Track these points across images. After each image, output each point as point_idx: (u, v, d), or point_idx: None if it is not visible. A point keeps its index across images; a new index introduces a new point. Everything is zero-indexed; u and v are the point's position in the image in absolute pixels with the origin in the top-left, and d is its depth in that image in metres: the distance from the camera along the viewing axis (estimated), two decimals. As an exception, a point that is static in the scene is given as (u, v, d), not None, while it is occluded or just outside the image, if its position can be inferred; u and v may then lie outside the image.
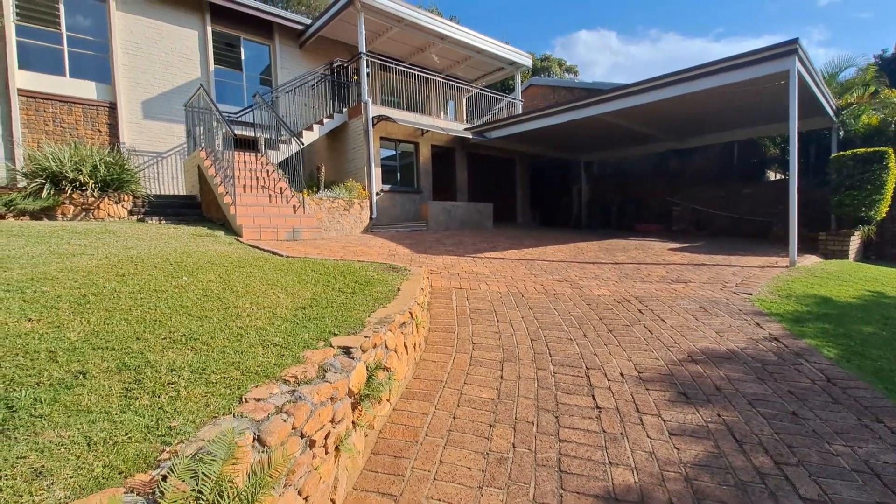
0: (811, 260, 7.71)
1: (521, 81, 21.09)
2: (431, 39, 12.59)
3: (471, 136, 12.04)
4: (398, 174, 11.54)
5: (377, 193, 10.45)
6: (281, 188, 8.03)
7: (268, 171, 8.45)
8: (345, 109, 10.89)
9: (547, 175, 18.38)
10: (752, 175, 13.42)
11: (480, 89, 15.34)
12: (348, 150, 10.89)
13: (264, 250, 5.63)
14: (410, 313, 3.32)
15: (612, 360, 3.36)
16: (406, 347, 3.10)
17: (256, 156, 8.88)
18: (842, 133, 10.82)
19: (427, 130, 11.46)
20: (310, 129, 10.23)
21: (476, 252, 7.36)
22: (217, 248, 5.22)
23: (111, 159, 7.27)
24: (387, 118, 10.10)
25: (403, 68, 11.77)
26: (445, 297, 4.68)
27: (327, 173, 11.34)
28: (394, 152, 11.59)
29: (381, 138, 10.86)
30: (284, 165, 9.53)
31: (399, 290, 3.87)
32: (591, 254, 7.66)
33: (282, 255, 5.32)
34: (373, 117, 10.25)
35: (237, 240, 6.30)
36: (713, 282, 5.65)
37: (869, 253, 10.00)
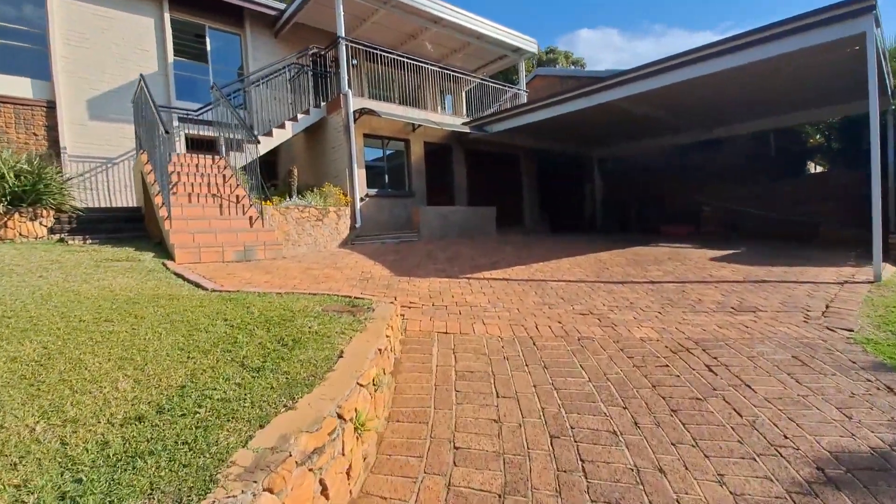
0: (891, 270, 6.18)
1: (526, 72, 19.63)
2: (423, 24, 11.21)
3: (469, 131, 10.62)
4: (386, 176, 10.14)
5: (361, 199, 9.06)
6: (238, 196, 6.66)
7: (224, 176, 7.10)
8: (323, 104, 9.53)
9: (557, 173, 16.88)
10: (792, 168, 11.83)
11: (481, 79, 13.92)
12: (328, 151, 9.53)
13: (189, 281, 4.25)
14: (341, 415, 1.90)
15: (692, 486, 1.91)
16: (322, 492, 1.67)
17: (214, 158, 7.54)
18: (904, 116, 9.22)
19: (419, 125, 10.06)
20: (282, 126, 8.88)
21: (473, 270, 5.92)
22: (117, 283, 3.85)
23: (26, 167, 5.95)
24: (370, 112, 8.71)
25: (395, 57, 10.38)
26: (423, 351, 3.25)
27: (305, 177, 9.99)
28: (381, 152, 10.19)
29: (366, 135, 9.48)
30: (263, 169, 8.19)
31: (342, 354, 2.46)
32: (617, 269, 6.19)
33: (206, 289, 3.95)
34: (354, 111, 8.87)
35: (164, 265, 4.93)
36: (790, 309, 4.18)
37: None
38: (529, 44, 13.04)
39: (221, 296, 3.64)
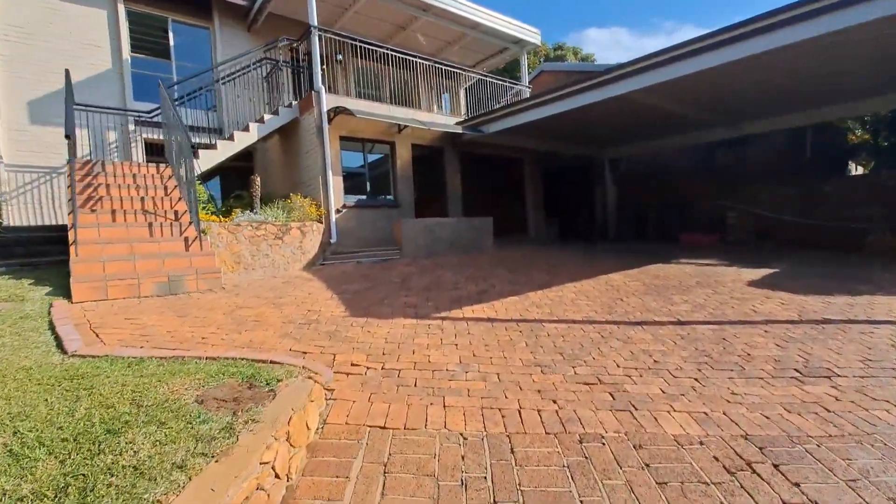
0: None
1: (530, 67, 18.47)
2: (413, 12, 10.12)
3: (463, 132, 9.48)
4: (368, 184, 9.04)
5: (337, 210, 7.98)
6: (177, 213, 5.61)
7: (167, 188, 6.06)
8: (294, 103, 8.47)
9: (564, 177, 15.68)
10: (832, 168, 10.46)
11: (481, 75, 12.77)
12: (301, 156, 8.47)
13: (57, 334, 3.18)
14: None
15: None
16: None
17: (159, 167, 6.51)
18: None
19: (404, 126, 8.95)
20: (246, 129, 7.83)
21: (453, 305, 4.77)
22: (-61, 344, 2.79)
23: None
24: (345, 111, 7.63)
25: (384, 52, 9.30)
26: (337, 470, 2.10)
27: (280, 186, 8.95)
28: (362, 156, 9.09)
29: (343, 138, 8.40)
30: (235, 178, 7.17)
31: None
32: (633, 300, 4.98)
33: (66, 352, 2.88)
34: (328, 111, 7.80)
35: (51, 306, 3.87)
36: (877, 371, 2.99)
37: None
38: (532, 34, 11.86)
39: (68, 369, 2.56)
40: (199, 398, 2.35)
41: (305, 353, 3.33)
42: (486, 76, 12.76)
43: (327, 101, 7.81)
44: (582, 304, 4.76)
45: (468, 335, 3.75)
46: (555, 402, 2.66)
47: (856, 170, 10.96)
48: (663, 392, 2.79)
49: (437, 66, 10.92)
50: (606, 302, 4.87)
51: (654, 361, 3.25)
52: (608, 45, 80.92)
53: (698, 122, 9.80)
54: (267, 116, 8.05)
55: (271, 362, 2.84)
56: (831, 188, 9.65)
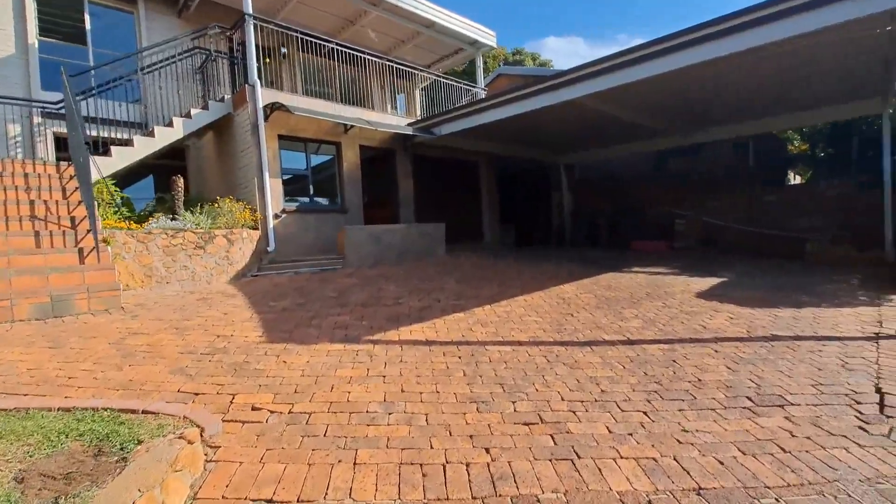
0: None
1: (487, 69, 18.38)
2: (363, 6, 9.62)
3: (414, 133, 9.06)
4: (311, 187, 8.44)
5: (276, 215, 7.34)
6: (74, 219, 4.84)
7: (66, 189, 5.26)
8: (227, 97, 7.75)
9: (521, 181, 15.60)
10: (774, 178, 10.84)
11: (436, 76, 12.42)
12: (236, 155, 7.76)
13: None
14: None
15: None
16: None
17: (59, 166, 5.67)
18: (898, 121, 8.28)
19: (351, 126, 8.43)
20: (170, 125, 7.06)
21: (390, 324, 4.32)
22: None
23: None
24: (281, 107, 7.02)
25: (333, 46, 8.74)
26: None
27: (216, 188, 8.19)
28: (304, 157, 8.47)
29: (283, 137, 7.77)
30: (164, 178, 6.36)
31: None
32: (584, 315, 4.72)
33: None
34: (264, 106, 7.16)
35: None
36: (830, 396, 2.83)
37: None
38: (487, 36, 11.63)
39: None
40: (21, 475, 1.80)
41: (197, 394, 2.79)
42: (441, 77, 12.43)
43: (263, 96, 7.17)
44: (530, 322, 4.44)
45: (400, 363, 3.32)
46: (488, 451, 2.27)
47: (794, 179, 11.44)
48: (610, 431, 2.47)
49: (390, 64, 10.46)
50: (556, 318, 4.58)
51: (602, 391, 2.94)
52: (566, 53, 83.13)
53: (649, 130, 9.87)
54: (195, 111, 7.30)
55: (144, 412, 2.30)
56: (773, 197, 9.98)
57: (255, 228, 6.97)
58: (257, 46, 7.78)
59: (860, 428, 2.47)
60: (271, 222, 7.18)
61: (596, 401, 2.82)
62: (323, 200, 8.76)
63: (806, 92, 7.72)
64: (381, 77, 11.09)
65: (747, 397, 2.85)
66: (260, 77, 7.67)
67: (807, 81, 7.06)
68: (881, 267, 7.69)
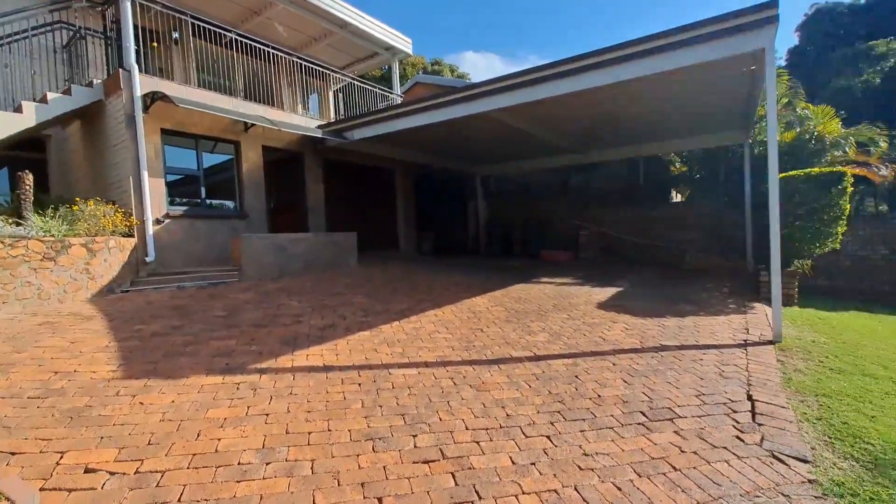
0: (763, 311, 5.71)
1: (406, 77, 18.28)
2: (266, -3, 8.89)
3: (325, 137, 8.55)
4: (204, 189, 7.52)
5: (157, 220, 6.40)
6: None
7: None
8: (97, 81, 6.64)
9: (439, 191, 15.64)
10: (660, 196, 12.03)
11: (352, 79, 11.97)
12: (109, 149, 6.66)
13: None
14: None
15: None
16: None
17: None
18: (756, 150, 9.64)
19: (251, 125, 7.70)
20: (18, 110, 5.83)
21: (285, 346, 3.88)
22: None
23: None
24: (163, 97, 6.15)
25: (234, 37, 7.91)
26: None
27: (85, 188, 6.96)
28: (195, 156, 7.53)
29: (168, 132, 6.83)
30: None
31: None
32: (493, 329, 4.67)
33: None
34: (143, 95, 6.22)
35: None
36: (711, 407, 3.02)
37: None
38: (403, 42, 11.48)
39: None
40: None
41: (14, 454, 2.17)
42: (357, 80, 12.01)
43: (142, 83, 6.22)
44: (440, 339, 4.27)
45: (289, 397, 2.93)
46: (381, 501, 2.01)
47: (676, 197, 12.86)
48: (513, 462, 2.34)
49: (300, 62, 9.83)
50: (466, 334, 4.47)
51: (507, 416, 2.83)
52: (483, 68, 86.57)
53: (556, 147, 10.41)
54: (52, 95, 6.12)
55: None
56: (659, 213, 11.08)
57: (130, 236, 5.98)
58: (140, 27, 6.77)
59: (738, 437, 2.64)
60: (151, 228, 6.22)
61: (501, 427, 2.70)
62: (219, 204, 7.86)
63: (684, 122, 8.67)
64: (291, 75, 10.39)
65: (641, 412, 2.93)
66: (143, 62, 6.66)
67: (682, 112, 7.90)
68: (743, 275, 8.82)
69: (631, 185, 12.11)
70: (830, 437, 2.67)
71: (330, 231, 9.07)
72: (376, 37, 11.07)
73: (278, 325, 4.45)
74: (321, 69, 10.62)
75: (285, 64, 10.51)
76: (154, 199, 6.34)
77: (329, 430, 2.56)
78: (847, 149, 8.68)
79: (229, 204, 7.97)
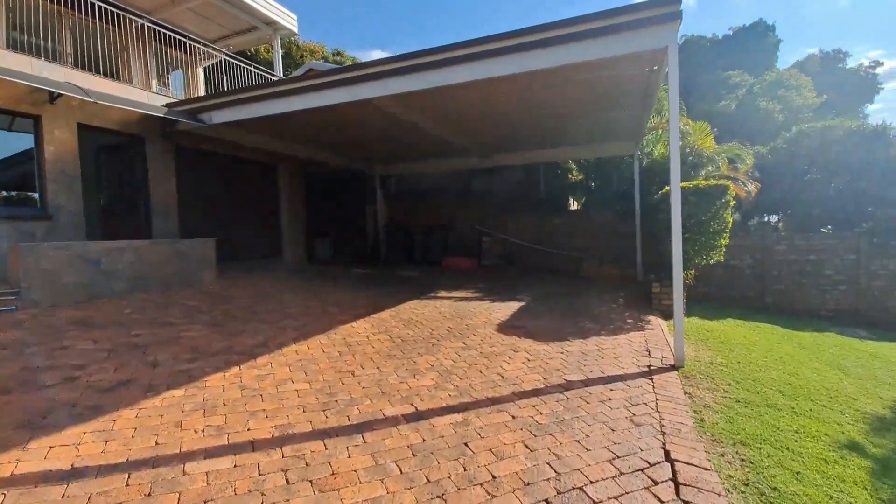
0: (661, 327, 5.55)
1: (299, 60, 16.59)
2: (94, -65, 6.88)
3: (171, 117, 6.80)
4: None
5: None
6: None
7: None
8: None
9: (336, 192, 14.20)
10: (560, 202, 12.05)
11: (225, 54, 10.18)
12: None
13: None
14: None
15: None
16: None
17: None
18: (644, 161, 9.96)
19: (58, 95, 5.77)
20: None
21: (22, 431, 2.46)
22: None
23: None
24: None
25: None
26: None
27: None
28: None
29: None
30: None
31: None
32: (368, 372, 3.66)
33: None
34: None
35: None
36: (627, 478, 2.35)
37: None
38: (287, 19, 10.00)
39: None
40: None
41: None
42: (232, 57, 10.22)
43: None
44: (289, 394, 3.15)
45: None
46: None
47: (574, 205, 13.09)
48: None
49: (156, 28, 7.94)
50: (330, 381, 3.40)
51: (357, 541, 1.85)
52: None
53: (456, 148, 9.78)
54: None
55: None
56: (559, 220, 11.05)
57: None
58: None
59: (664, 533, 1.97)
60: None
61: (343, 569, 1.70)
62: (10, 200, 5.76)
63: (580, 128, 8.56)
64: (142, 42, 8.36)
65: (546, 501, 2.16)
66: None
67: (578, 118, 7.72)
68: (634, 284, 8.97)
69: (532, 192, 11.99)
70: (763, 511, 2.13)
71: (190, 237, 7.30)
72: (254, 7, 9.45)
73: (34, 386, 2.95)
74: (185, 40, 8.75)
75: (134, 29, 8.50)
76: None
77: None
78: (720, 164, 9.27)
79: (25, 200, 5.90)
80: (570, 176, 12.97)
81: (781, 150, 12.34)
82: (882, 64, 40.77)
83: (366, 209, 13.27)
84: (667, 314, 6.63)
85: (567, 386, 3.55)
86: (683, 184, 6.71)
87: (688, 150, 9.29)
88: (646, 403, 3.32)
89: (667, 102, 9.64)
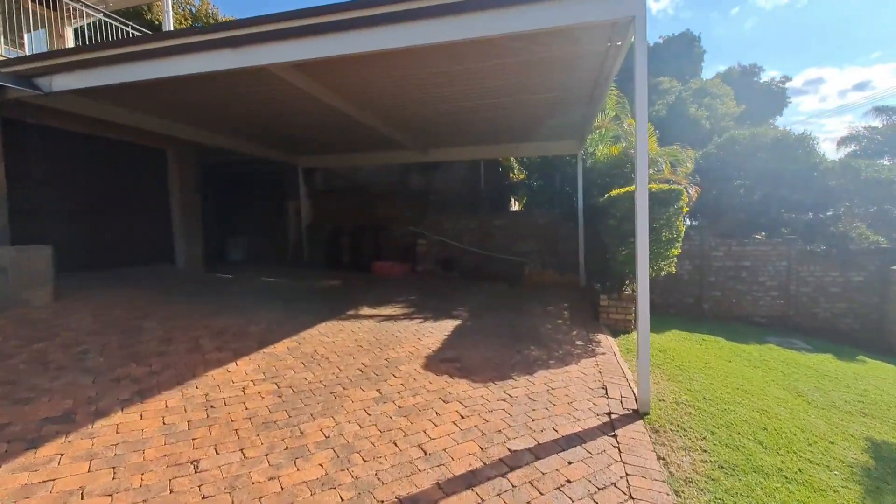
0: (613, 349, 4.85)
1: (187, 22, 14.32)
2: None
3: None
4: None
5: None
6: None
7: None
8: None
9: (251, 185, 12.47)
10: (500, 203, 11.28)
11: (104, 14, 8.31)
12: None
13: None
14: None
15: None
16: None
17: None
18: (589, 162, 9.42)
19: None
20: None
21: None
22: None
23: None
24: None
25: None
26: None
27: None
28: None
29: None
30: None
31: None
32: (222, 459, 2.45)
33: None
34: None
35: None
36: None
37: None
38: (179, -27, 8.22)
39: None
40: None
41: None
42: (111, 18, 8.34)
43: None
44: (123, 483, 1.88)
45: None
46: None
47: (515, 205, 12.40)
48: None
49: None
50: (152, 485, 2.16)
51: None
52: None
53: (391, 140, 8.61)
54: None
55: None
56: (500, 222, 10.25)
57: None
58: None
59: None
60: None
61: None
62: None
63: (524, 122, 7.76)
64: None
65: None
66: None
67: (522, 108, 6.88)
68: (578, 290, 8.38)
69: (472, 191, 11.10)
70: None
71: (38, 239, 5.49)
72: (133, -46, 7.62)
73: None
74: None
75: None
76: None
77: None
78: (663, 167, 8.93)
79: None
80: (511, 175, 12.27)
81: (713, 155, 12.49)
82: (791, 79, 45.01)
83: (287, 206, 11.68)
84: (615, 330, 5.99)
85: (513, 462, 2.59)
86: (630, 188, 6.09)
87: (631, 150, 8.83)
88: (615, 484, 2.45)
89: (610, 101, 9.28)
